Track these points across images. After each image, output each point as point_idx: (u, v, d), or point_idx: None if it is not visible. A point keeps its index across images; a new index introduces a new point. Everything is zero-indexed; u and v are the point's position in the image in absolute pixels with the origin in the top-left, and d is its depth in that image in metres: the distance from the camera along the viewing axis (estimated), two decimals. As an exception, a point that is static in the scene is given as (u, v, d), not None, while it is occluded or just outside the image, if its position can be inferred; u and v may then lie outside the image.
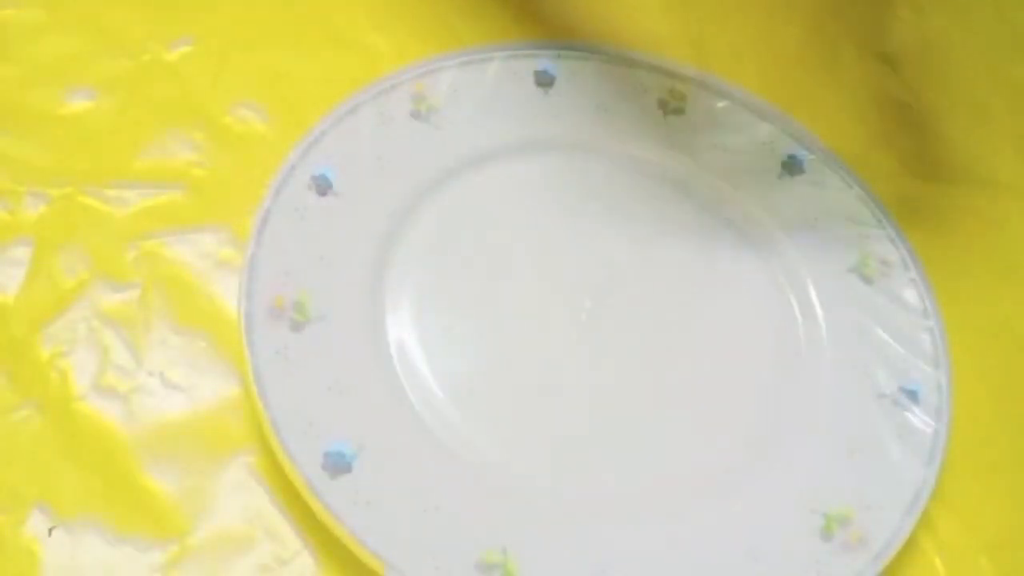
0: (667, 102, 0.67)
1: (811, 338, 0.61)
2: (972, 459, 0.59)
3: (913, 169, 0.69)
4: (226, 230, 0.60)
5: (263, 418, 0.53)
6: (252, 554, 0.52)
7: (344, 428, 0.53)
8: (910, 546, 0.55)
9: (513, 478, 0.55)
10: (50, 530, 0.52)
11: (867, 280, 0.62)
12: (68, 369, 0.55)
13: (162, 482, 0.53)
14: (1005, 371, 0.63)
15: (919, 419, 0.58)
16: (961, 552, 0.57)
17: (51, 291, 0.57)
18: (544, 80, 0.66)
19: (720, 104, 0.67)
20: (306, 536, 0.53)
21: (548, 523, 0.53)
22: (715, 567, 0.53)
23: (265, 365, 0.54)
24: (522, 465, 0.55)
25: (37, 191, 0.60)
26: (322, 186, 0.60)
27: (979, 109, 0.71)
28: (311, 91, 0.65)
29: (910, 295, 0.62)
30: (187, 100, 0.65)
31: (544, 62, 0.67)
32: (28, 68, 0.65)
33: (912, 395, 0.59)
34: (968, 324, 0.62)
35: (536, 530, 0.53)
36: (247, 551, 0.52)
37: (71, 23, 0.67)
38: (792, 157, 0.66)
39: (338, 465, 0.52)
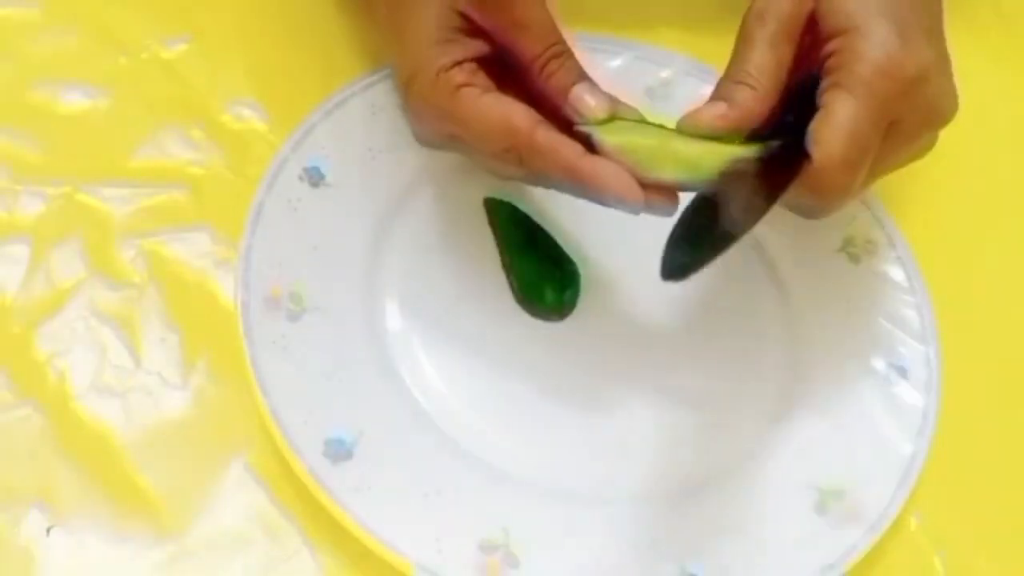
0: (654, 89, 0.63)
1: (800, 319, 0.58)
2: (963, 434, 0.57)
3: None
4: (224, 228, 0.58)
5: (263, 407, 0.51)
6: (251, 553, 0.50)
7: (344, 415, 0.52)
8: (909, 544, 0.54)
9: (512, 460, 0.53)
10: (48, 529, 0.49)
11: (854, 260, 0.60)
12: (66, 368, 0.53)
13: (160, 481, 0.51)
14: (994, 344, 0.61)
15: (909, 394, 0.56)
16: (961, 552, 0.55)
17: (49, 290, 0.55)
18: (531, 69, 0.63)
19: (706, 90, 0.61)
20: (305, 534, 0.51)
21: (548, 503, 0.52)
22: (712, 544, 0.51)
23: (264, 355, 0.52)
24: (521, 447, 0.53)
25: (34, 190, 0.57)
26: (314, 177, 0.57)
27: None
28: (309, 88, 0.61)
29: (896, 273, 0.60)
30: (185, 98, 0.62)
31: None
32: (25, 66, 0.61)
33: (901, 371, 0.57)
34: (955, 299, 0.60)
35: (537, 510, 0.51)
36: (246, 550, 0.50)
37: (68, 22, 0.63)
38: (778, 142, 0.63)
39: (339, 452, 0.50)
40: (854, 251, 0.60)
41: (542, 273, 0.56)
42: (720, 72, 0.52)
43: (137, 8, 0.64)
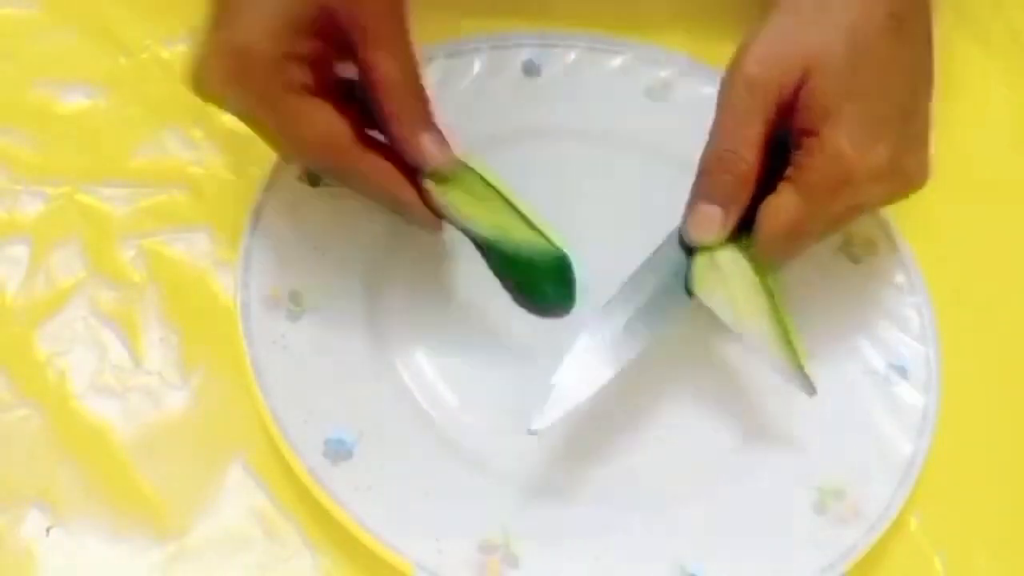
0: (653, 89, 0.63)
1: (800, 319, 0.56)
2: (963, 434, 0.56)
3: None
4: (224, 229, 0.57)
5: (263, 408, 0.50)
6: (250, 553, 0.50)
7: (343, 415, 0.51)
8: (909, 544, 0.54)
9: (512, 460, 0.52)
10: (48, 529, 0.49)
11: (854, 260, 0.59)
12: (66, 368, 0.53)
13: (160, 481, 0.51)
14: (994, 344, 0.60)
15: (909, 394, 0.55)
16: (961, 552, 0.55)
17: (49, 290, 0.55)
18: (531, 69, 0.63)
19: (706, 90, 0.61)
20: (305, 534, 0.51)
21: (548, 503, 0.51)
22: (712, 544, 0.51)
23: (263, 355, 0.52)
24: (521, 448, 0.52)
25: (34, 190, 0.57)
26: (314, 177, 0.57)
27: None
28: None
29: (896, 273, 0.59)
30: (185, 98, 0.59)
31: (531, 52, 0.63)
32: (25, 66, 0.61)
33: (901, 371, 0.56)
34: (955, 299, 0.59)
35: (537, 510, 0.51)
36: (245, 550, 0.50)
37: (68, 22, 0.63)
38: (777, 142, 0.62)
39: (339, 452, 0.50)
40: (854, 251, 0.59)
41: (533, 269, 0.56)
42: (720, 72, 0.52)
43: (137, 8, 0.64)
